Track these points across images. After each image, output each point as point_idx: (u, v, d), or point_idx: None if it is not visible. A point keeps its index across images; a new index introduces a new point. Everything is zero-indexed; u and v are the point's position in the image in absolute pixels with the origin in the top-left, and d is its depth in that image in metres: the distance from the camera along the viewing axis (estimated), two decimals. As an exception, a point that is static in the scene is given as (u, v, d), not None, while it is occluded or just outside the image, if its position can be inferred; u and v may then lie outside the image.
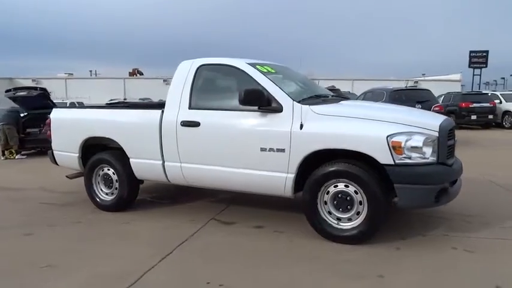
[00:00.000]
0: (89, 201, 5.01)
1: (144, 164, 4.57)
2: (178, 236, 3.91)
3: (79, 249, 3.68)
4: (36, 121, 10.23)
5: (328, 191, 3.64)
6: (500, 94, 17.69)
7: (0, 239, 4.01)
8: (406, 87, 15.31)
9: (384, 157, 3.35)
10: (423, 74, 46.20)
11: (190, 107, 4.25)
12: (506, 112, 16.47)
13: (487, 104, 16.01)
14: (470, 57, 29.93)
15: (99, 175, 4.97)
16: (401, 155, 3.33)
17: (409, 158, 3.34)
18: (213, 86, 4.53)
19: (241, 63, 4.14)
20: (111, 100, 11.99)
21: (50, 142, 5.36)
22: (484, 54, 29.97)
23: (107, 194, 4.95)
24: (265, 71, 4.12)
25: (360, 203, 3.52)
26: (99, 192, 4.98)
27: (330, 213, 3.66)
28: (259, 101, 3.74)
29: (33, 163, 9.07)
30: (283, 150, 3.72)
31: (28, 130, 10.53)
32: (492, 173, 6.55)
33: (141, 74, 41.40)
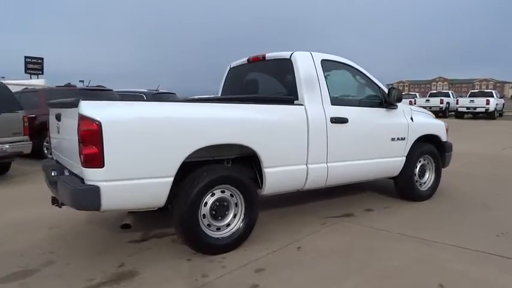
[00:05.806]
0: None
1: (286, 173, 3.75)
2: (359, 232, 3.92)
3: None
4: None
5: (416, 166, 5.00)
6: None
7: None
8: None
9: (444, 137, 5.23)
10: (3, 77, 42.21)
11: (332, 103, 4.07)
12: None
13: None
14: (26, 63, 28.60)
15: (205, 204, 3.33)
16: (447, 135, 5.33)
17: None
18: (340, 82, 4.39)
19: (357, 66, 4.48)
20: None
21: (87, 168, 2.80)
22: (40, 61, 29.76)
23: (218, 228, 3.42)
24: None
25: (430, 170, 5.17)
26: (205, 228, 3.34)
27: (417, 181, 5.03)
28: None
29: None
30: (403, 139, 4.69)
31: None
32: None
33: None
